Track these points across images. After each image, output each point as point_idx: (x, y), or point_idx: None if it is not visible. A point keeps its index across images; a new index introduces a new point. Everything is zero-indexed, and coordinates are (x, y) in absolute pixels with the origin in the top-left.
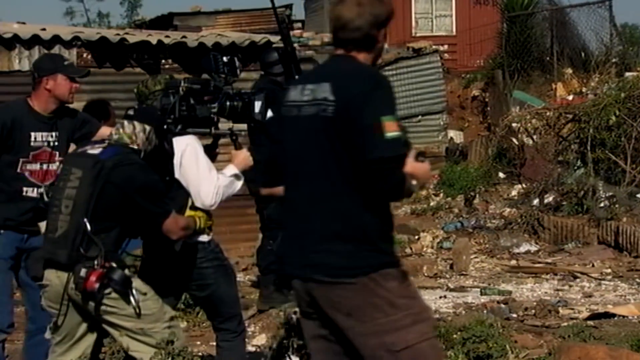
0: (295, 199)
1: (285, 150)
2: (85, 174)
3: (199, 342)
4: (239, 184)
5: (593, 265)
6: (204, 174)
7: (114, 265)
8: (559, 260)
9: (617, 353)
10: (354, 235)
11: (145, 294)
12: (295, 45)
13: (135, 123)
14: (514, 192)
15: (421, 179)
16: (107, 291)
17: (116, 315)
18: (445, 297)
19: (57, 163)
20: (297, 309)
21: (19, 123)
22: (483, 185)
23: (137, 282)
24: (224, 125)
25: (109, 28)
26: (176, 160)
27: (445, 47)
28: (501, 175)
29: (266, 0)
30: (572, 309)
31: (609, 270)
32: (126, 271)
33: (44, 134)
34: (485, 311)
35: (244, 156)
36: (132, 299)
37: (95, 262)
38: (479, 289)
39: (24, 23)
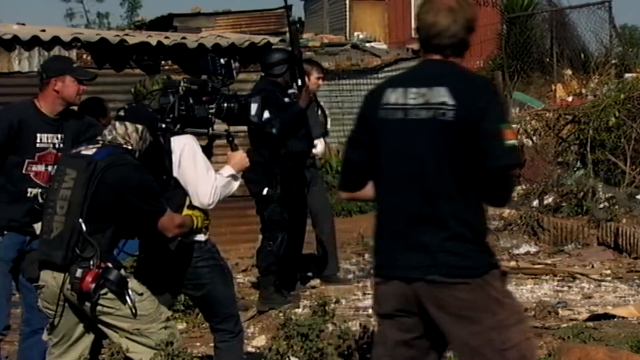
0: (399, 201)
1: (383, 152)
2: (79, 174)
3: (198, 344)
4: (236, 184)
5: (593, 267)
6: (202, 174)
7: (110, 265)
8: (558, 261)
9: (617, 354)
10: (469, 236)
11: (141, 294)
12: None
13: (127, 124)
14: (513, 193)
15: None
16: (103, 291)
17: (112, 315)
18: None
19: None
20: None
21: (26, 124)
22: None
23: (133, 283)
24: (219, 126)
25: (109, 29)
26: (175, 159)
27: None
28: None
29: (266, 2)
30: (572, 310)
31: (608, 272)
32: (122, 271)
33: (50, 135)
34: None
35: (240, 157)
36: (128, 299)
37: (91, 263)
38: None
39: (23, 24)
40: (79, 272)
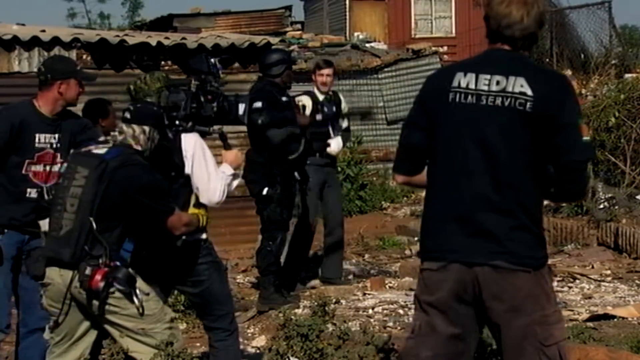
0: (463, 185)
1: (448, 135)
2: (90, 173)
3: (198, 344)
4: (236, 183)
5: (593, 267)
6: (213, 172)
7: (118, 264)
8: (558, 261)
9: (617, 355)
10: (533, 227)
11: (147, 294)
12: (295, 46)
13: (134, 126)
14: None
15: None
16: (110, 290)
17: (118, 315)
18: None
19: (59, 165)
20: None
21: (26, 124)
22: None
23: (139, 282)
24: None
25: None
26: (188, 157)
27: (445, 48)
28: None
29: (266, 2)
30: (572, 310)
31: (608, 272)
32: (130, 270)
33: (48, 135)
34: None
35: (235, 155)
36: (135, 298)
37: (100, 261)
38: None
39: (23, 24)
40: (88, 270)
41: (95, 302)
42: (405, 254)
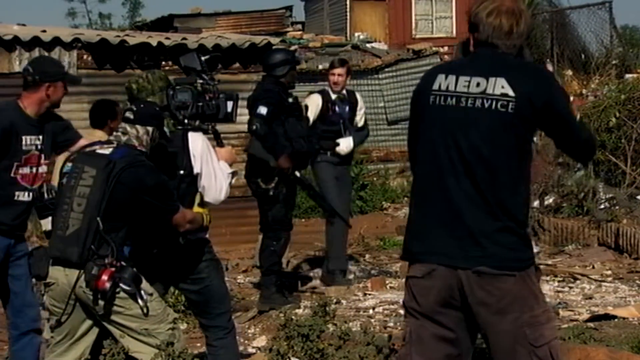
0: (447, 187)
1: (431, 137)
2: (98, 172)
3: (199, 344)
4: (234, 180)
5: (593, 267)
6: (218, 170)
7: (124, 264)
8: (559, 262)
9: (618, 355)
10: (517, 229)
11: (151, 294)
12: (296, 46)
13: (138, 127)
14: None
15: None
16: (116, 290)
17: (122, 315)
18: None
19: (44, 166)
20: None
21: (15, 126)
22: None
23: (143, 282)
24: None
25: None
26: (196, 156)
27: (446, 48)
28: None
29: (266, 2)
30: (573, 310)
31: (609, 272)
32: (135, 270)
33: (32, 137)
34: None
35: (229, 152)
36: (140, 298)
37: (106, 261)
38: None
39: (24, 25)
40: (95, 270)
41: (101, 302)
42: None
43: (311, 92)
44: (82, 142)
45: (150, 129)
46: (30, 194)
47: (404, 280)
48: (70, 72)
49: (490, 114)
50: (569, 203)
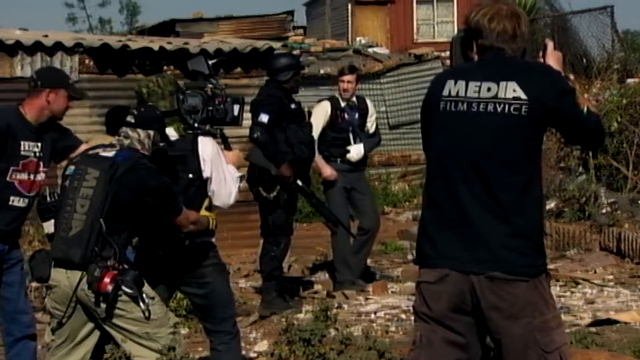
0: (457, 191)
1: (442, 141)
2: (102, 174)
3: (200, 349)
4: (242, 184)
5: (595, 272)
6: (227, 174)
7: (126, 266)
8: (560, 266)
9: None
10: (529, 233)
11: (152, 297)
12: (297, 51)
13: (139, 131)
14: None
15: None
16: (118, 293)
17: (123, 318)
18: None
19: (43, 174)
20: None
21: (13, 130)
22: None
23: (145, 286)
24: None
25: (111, 34)
26: (206, 160)
27: (447, 53)
28: None
29: (268, 7)
30: (575, 315)
31: (611, 277)
32: (137, 273)
33: (31, 143)
34: None
35: (236, 155)
36: (141, 302)
37: (108, 263)
38: None
39: (26, 29)
40: (97, 272)
41: (102, 305)
42: (408, 259)
43: (320, 100)
44: (83, 148)
45: (151, 132)
46: (26, 200)
47: (405, 285)
48: (72, 76)
49: (504, 118)
50: (570, 207)
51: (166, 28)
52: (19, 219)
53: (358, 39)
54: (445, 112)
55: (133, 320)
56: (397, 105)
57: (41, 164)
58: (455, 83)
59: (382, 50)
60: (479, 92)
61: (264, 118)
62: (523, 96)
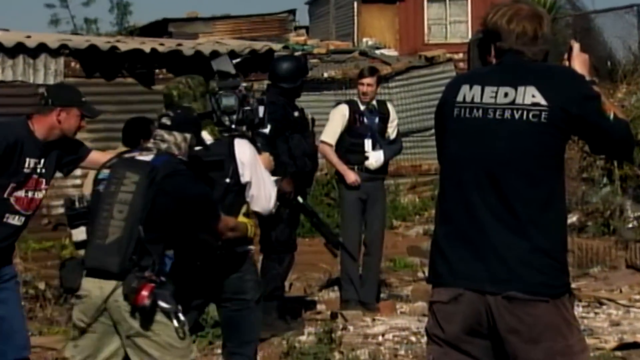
0: (472, 203)
1: (456, 150)
2: (141, 179)
3: None
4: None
5: (621, 291)
6: (267, 178)
7: (164, 279)
8: (583, 285)
9: None
10: (554, 251)
11: (184, 321)
12: (300, 52)
13: (176, 134)
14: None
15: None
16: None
17: (149, 340)
18: None
19: (43, 191)
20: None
21: (20, 145)
22: None
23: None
24: None
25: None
26: (245, 164)
27: (460, 55)
28: None
29: (268, 6)
30: (598, 338)
31: (638, 297)
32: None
33: (34, 160)
34: None
35: (267, 159)
36: (175, 320)
37: (146, 274)
38: None
39: (7, 30)
40: (135, 283)
41: (133, 320)
42: (418, 277)
43: (338, 102)
44: (94, 156)
45: (188, 135)
46: (22, 218)
47: (415, 304)
48: (57, 80)
49: (522, 125)
50: (594, 222)
51: (158, 28)
52: (12, 237)
53: (364, 40)
54: (459, 119)
55: (157, 344)
56: (406, 112)
57: (42, 181)
58: (471, 88)
59: (391, 52)
60: (495, 97)
61: (264, 131)
62: (543, 102)
